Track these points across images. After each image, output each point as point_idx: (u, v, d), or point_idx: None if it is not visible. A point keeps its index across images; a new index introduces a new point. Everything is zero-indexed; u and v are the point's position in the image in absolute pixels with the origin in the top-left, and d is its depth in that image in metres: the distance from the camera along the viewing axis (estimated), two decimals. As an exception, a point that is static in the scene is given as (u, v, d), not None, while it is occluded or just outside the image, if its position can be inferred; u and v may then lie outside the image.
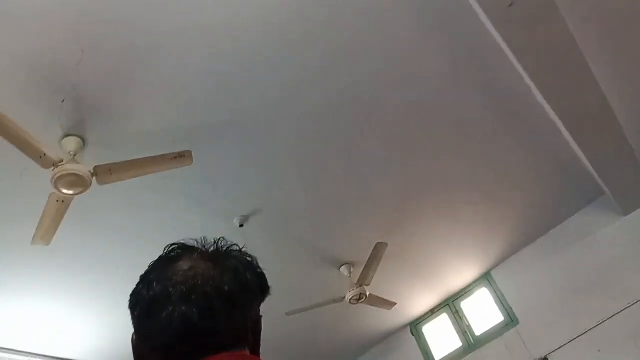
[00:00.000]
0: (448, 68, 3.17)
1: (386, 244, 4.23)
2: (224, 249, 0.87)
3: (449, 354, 5.64)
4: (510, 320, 5.27)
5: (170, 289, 0.77)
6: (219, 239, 0.88)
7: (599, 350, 4.55)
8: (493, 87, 3.40)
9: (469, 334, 5.57)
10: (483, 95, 3.44)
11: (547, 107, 3.22)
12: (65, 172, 2.66)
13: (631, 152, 3.90)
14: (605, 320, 4.60)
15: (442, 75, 3.21)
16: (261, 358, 0.83)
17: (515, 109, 3.62)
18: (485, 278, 5.60)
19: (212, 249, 0.86)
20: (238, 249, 0.88)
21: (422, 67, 3.13)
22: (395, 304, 5.05)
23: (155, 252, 0.87)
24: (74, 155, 2.81)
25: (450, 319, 5.78)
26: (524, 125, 3.79)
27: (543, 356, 4.87)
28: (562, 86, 3.05)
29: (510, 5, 2.42)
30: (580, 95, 3.17)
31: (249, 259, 0.88)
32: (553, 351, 4.82)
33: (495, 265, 5.53)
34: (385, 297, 4.89)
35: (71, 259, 3.65)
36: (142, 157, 2.81)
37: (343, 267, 4.74)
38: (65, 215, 2.94)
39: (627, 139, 3.76)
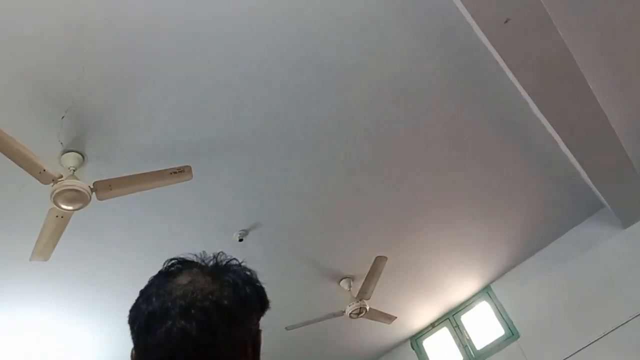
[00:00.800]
0: (446, 83, 3.20)
1: (386, 258, 4.23)
2: (223, 263, 0.87)
3: (450, 369, 5.61)
4: (511, 334, 5.24)
5: (169, 304, 0.77)
6: (218, 253, 0.88)
7: (600, 364, 4.52)
8: (491, 102, 3.43)
9: (469, 347, 5.53)
10: (481, 109, 3.46)
11: (545, 121, 3.24)
12: (65, 188, 2.66)
13: (629, 165, 3.91)
14: (606, 334, 4.58)
15: (440, 90, 3.23)
16: (261, 373, 0.83)
17: (513, 122, 3.64)
18: (486, 291, 5.58)
19: (211, 263, 0.86)
20: (237, 263, 0.88)
21: (420, 82, 3.15)
22: (396, 317, 5.03)
23: (154, 267, 0.87)
24: (74, 170, 2.81)
25: (451, 332, 5.75)
26: (522, 138, 3.81)
27: (545, 370, 4.84)
28: (558, 99, 3.07)
29: (506, 22, 2.45)
30: (577, 108, 3.18)
31: (248, 273, 0.88)
32: (555, 365, 4.80)
33: (495, 279, 5.51)
34: (386, 311, 4.87)
35: (70, 273, 3.64)
36: (141, 172, 2.82)
37: (343, 281, 4.72)
38: (65, 231, 2.94)
39: (625, 151, 3.77)
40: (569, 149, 3.52)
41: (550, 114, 3.17)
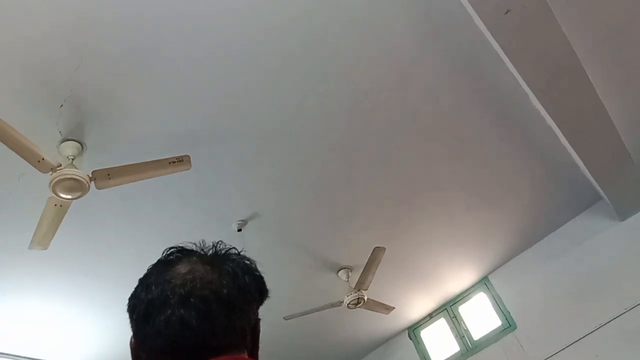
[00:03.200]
0: (445, 73, 3.19)
1: (384, 249, 4.24)
2: (223, 252, 0.87)
3: (446, 359, 5.64)
4: (508, 325, 5.27)
5: (169, 293, 0.78)
6: (218, 242, 0.88)
7: (596, 355, 4.55)
8: (490, 94, 3.42)
9: (466, 338, 5.57)
10: (480, 101, 3.46)
11: (544, 113, 3.24)
12: (64, 177, 2.66)
13: (628, 158, 3.91)
14: (603, 325, 4.60)
15: (439, 80, 3.23)
16: (259, 361, 0.83)
17: (512, 114, 3.63)
18: (483, 283, 5.60)
19: (210, 252, 0.87)
20: (237, 252, 0.89)
21: (419, 74, 3.14)
22: (393, 308, 5.05)
23: (153, 256, 0.88)
24: (72, 159, 2.81)
25: (448, 323, 5.78)
26: (520, 130, 3.81)
27: (541, 361, 4.87)
28: (558, 92, 3.06)
29: (507, 13, 2.44)
30: (576, 100, 3.18)
31: (248, 262, 0.88)
32: (551, 356, 4.82)
33: (492, 270, 5.53)
34: (383, 302, 4.89)
35: (69, 262, 3.65)
36: (140, 161, 2.82)
37: (341, 271, 4.74)
38: (64, 220, 2.94)
39: (624, 144, 3.77)
40: (567, 141, 3.52)
41: (550, 107, 3.17)
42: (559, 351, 4.78)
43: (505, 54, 2.71)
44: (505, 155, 4.01)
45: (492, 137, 3.79)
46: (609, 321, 4.57)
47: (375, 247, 4.22)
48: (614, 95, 3.54)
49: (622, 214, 4.74)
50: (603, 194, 4.43)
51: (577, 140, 3.55)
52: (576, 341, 4.71)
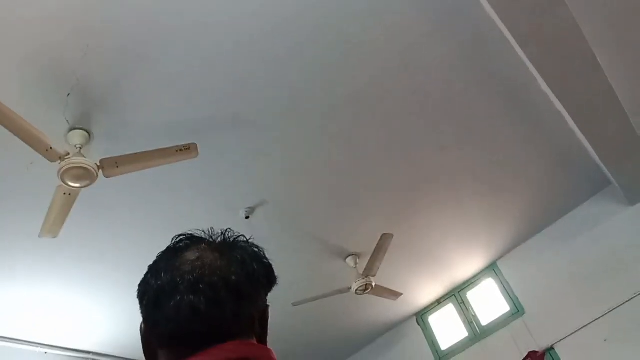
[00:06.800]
0: (453, 58, 3.16)
1: (392, 235, 4.24)
2: (231, 239, 0.88)
3: (455, 344, 5.67)
4: (517, 310, 5.28)
5: (178, 279, 0.78)
6: (226, 230, 0.89)
7: (605, 340, 4.55)
8: (498, 77, 3.39)
9: (475, 324, 5.58)
10: (488, 85, 3.43)
11: (552, 97, 3.21)
12: (72, 165, 2.67)
13: (637, 142, 3.87)
14: (611, 310, 4.60)
15: (447, 65, 3.20)
16: (269, 347, 0.84)
17: (520, 98, 3.60)
18: (492, 269, 5.60)
19: (219, 239, 0.87)
20: (245, 239, 0.89)
21: (427, 57, 3.12)
22: (401, 294, 5.06)
23: (161, 244, 0.88)
24: (80, 148, 2.82)
25: (457, 309, 5.79)
26: (529, 115, 3.78)
27: (549, 345, 4.88)
28: (567, 75, 3.03)
29: (516, -5, 2.41)
30: (585, 84, 3.15)
31: (256, 249, 0.88)
32: (559, 340, 4.84)
33: (501, 256, 5.53)
34: (391, 288, 4.90)
35: (79, 250, 3.68)
36: (148, 150, 2.82)
37: (349, 258, 4.75)
38: (73, 209, 2.96)
39: (634, 128, 3.74)
40: (576, 125, 3.49)
41: (559, 90, 3.14)
42: (568, 336, 4.79)
43: (514, 37, 2.68)
44: (513, 140, 3.99)
45: (500, 122, 3.77)
46: (618, 306, 4.57)
47: (383, 234, 4.22)
48: (624, 78, 3.49)
49: (631, 199, 4.71)
50: (612, 179, 4.40)
51: (586, 125, 3.52)
52: (585, 326, 4.71)
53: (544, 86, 3.13)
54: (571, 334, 4.77)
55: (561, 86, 3.12)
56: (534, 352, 4.91)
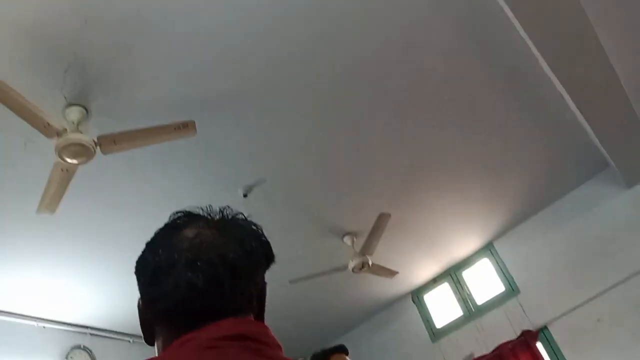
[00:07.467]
0: (455, 38, 3.13)
1: (389, 215, 4.25)
2: (230, 217, 0.87)
3: (449, 323, 5.72)
4: (512, 290, 5.33)
5: (176, 256, 0.78)
6: (225, 207, 0.88)
7: (598, 320, 4.61)
8: (500, 58, 3.37)
9: (469, 302, 5.64)
10: (489, 65, 3.40)
11: (554, 77, 3.19)
12: (69, 142, 2.66)
13: (637, 125, 3.87)
14: (605, 291, 4.64)
15: (449, 45, 3.17)
16: (266, 324, 0.84)
17: (521, 79, 3.58)
18: (488, 249, 5.63)
19: (217, 217, 0.87)
20: (243, 217, 0.89)
21: (429, 36, 3.09)
22: (397, 272, 5.10)
23: (158, 221, 0.88)
24: (77, 124, 2.81)
25: (452, 288, 5.84)
26: (529, 96, 3.76)
27: (543, 325, 4.94)
28: (569, 56, 3.01)
29: (518, -27, 2.38)
30: (587, 65, 3.13)
31: (254, 227, 0.88)
32: (553, 320, 4.89)
33: (497, 237, 5.56)
34: (388, 267, 4.93)
35: (76, 227, 3.69)
36: (145, 127, 2.81)
37: (346, 236, 4.77)
38: (71, 186, 2.96)
39: (635, 110, 3.73)
40: (577, 106, 3.48)
41: (560, 71, 3.13)
42: (561, 315, 4.84)
43: (516, 18, 2.66)
44: (513, 121, 3.97)
45: (500, 102, 3.75)
46: (612, 287, 4.60)
47: (381, 213, 4.24)
48: (626, 60, 3.47)
49: (629, 182, 4.72)
50: (610, 161, 4.40)
51: (586, 106, 3.51)
52: (578, 306, 4.76)
53: (545, 66, 3.11)
54: (565, 314, 4.82)
55: (562, 67, 3.10)
56: (528, 331, 4.97)
